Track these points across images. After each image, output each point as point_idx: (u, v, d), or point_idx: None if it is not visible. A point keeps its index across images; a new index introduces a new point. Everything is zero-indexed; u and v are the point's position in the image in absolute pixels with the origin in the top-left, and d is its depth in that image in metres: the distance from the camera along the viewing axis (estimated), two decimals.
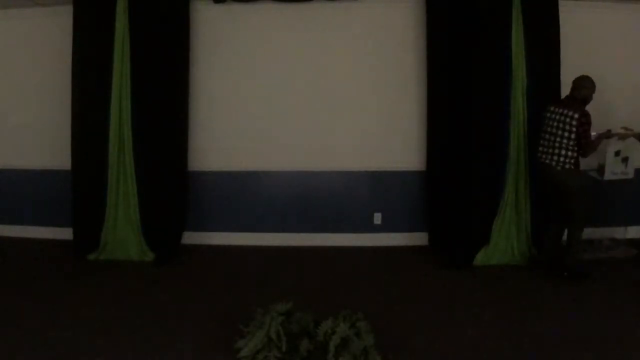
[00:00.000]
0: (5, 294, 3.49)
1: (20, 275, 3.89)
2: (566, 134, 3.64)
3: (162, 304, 3.36)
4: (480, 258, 4.14)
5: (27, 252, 4.49)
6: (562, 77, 4.13)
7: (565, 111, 3.67)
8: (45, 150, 4.72)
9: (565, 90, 4.18)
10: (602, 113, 4.56)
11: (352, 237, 4.63)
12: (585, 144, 3.62)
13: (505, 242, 4.16)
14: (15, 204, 4.83)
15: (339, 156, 4.58)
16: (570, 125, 3.61)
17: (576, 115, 3.59)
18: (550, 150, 3.75)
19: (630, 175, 4.04)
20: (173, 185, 4.37)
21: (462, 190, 4.13)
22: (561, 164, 3.69)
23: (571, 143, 3.64)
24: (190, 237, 4.63)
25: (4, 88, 4.77)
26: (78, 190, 4.29)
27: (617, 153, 3.96)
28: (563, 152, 3.67)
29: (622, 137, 3.90)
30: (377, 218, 4.65)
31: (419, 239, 4.58)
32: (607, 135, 3.86)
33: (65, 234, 4.51)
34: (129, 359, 2.65)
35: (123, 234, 4.30)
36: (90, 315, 3.15)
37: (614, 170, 3.97)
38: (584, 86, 3.68)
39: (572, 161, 3.68)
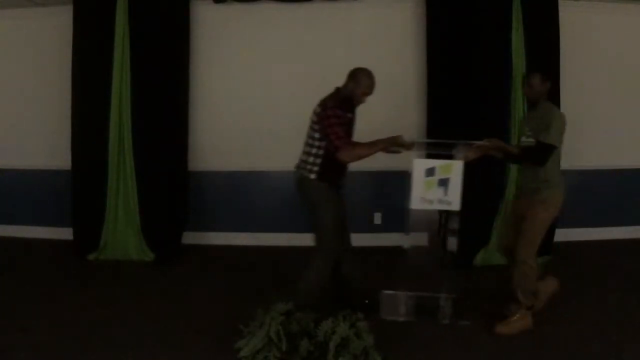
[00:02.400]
0: (4, 294, 3.48)
1: (20, 276, 3.88)
2: (310, 133, 2.97)
3: (162, 304, 3.35)
4: (480, 258, 4.14)
5: (27, 252, 4.49)
6: (562, 77, 4.14)
7: (316, 106, 2.98)
8: (45, 150, 4.73)
9: (564, 90, 4.19)
10: (604, 114, 4.58)
11: (352, 237, 4.61)
12: (331, 146, 2.83)
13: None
14: (15, 204, 4.84)
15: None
16: (313, 122, 2.93)
17: (319, 110, 2.89)
18: (300, 155, 3.05)
19: (454, 206, 2.92)
20: (173, 185, 4.37)
21: (461, 190, 4.12)
22: (301, 171, 2.98)
23: (316, 144, 2.91)
24: (190, 237, 4.63)
25: (4, 88, 4.77)
26: (78, 190, 4.30)
27: (429, 172, 2.91)
28: (304, 156, 2.99)
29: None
30: (377, 218, 4.65)
31: (418, 239, 4.57)
32: (395, 142, 2.94)
33: (65, 234, 4.51)
34: (129, 359, 2.65)
35: (123, 234, 4.30)
36: (90, 315, 3.14)
37: (425, 196, 2.91)
38: (352, 79, 2.96)
39: (316, 169, 2.90)
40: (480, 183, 4.03)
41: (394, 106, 4.55)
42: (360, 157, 2.90)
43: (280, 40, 4.52)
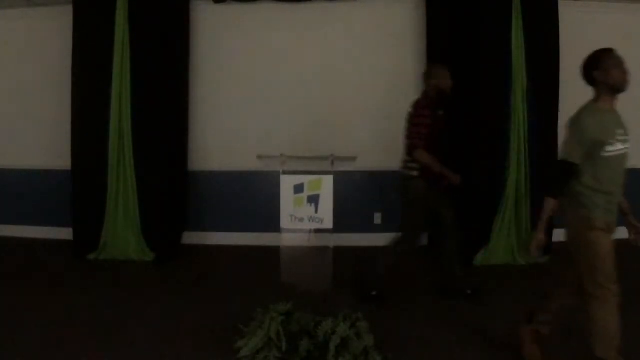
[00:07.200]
0: (5, 294, 3.49)
1: (20, 276, 3.88)
2: (407, 134, 3.20)
3: (162, 303, 3.35)
4: (480, 258, 4.14)
5: (27, 252, 4.49)
6: (561, 77, 4.14)
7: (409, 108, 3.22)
8: (45, 150, 4.73)
9: (564, 90, 4.19)
10: None
11: (352, 237, 4.62)
12: (411, 143, 3.09)
13: (505, 242, 4.16)
14: (15, 204, 4.84)
15: (339, 156, 4.58)
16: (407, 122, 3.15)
17: (410, 110, 3.17)
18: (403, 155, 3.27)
19: (326, 224, 2.84)
20: (173, 185, 4.37)
21: (462, 190, 4.13)
22: (404, 170, 3.21)
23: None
24: (190, 237, 4.63)
25: (4, 88, 4.77)
26: (78, 190, 4.30)
27: (298, 189, 2.83)
28: (406, 156, 3.22)
29: None
30: (377, 218, 4.65)
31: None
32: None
33: (65, 234, 4.51)
34: (129, 358, 2.65)
35: (123, 234, 4.30)
36: (90, 315, 3.15)
37: (295, 214, 2.82)
38: (431, 77, 3.19)
39: (417, 166, 3.14)
40: (480, 183, 4.05)
41: (394, 106, 4.54)
42: (424, 163, 3.09)
43: (280, 40, 4.52)
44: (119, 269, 4.11)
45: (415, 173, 3.14)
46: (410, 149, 3.11)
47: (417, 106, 3.17)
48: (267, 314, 2.62)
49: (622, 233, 4.89)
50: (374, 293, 3.29)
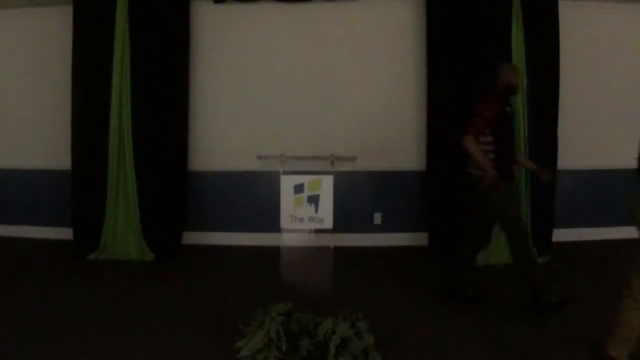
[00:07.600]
0: (5, 294, 3.49)
1: (20, 276, 3.88)
2: None
3: (162, 304, 3.35)
4: (480, 258, 4.14)
5: (27, 252, 4.49)
6: (561, 77, 4.14)
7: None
8: (45, 150, 4.73)
9: (564, 90, 4.20)
10: (601, 113, 4.58)
11: (352, 237, 4.63)
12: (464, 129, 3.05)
13: (505, 242, 4.15)
14: (16, 204, 4.84)
15: (339, 156, 4.59)
16: None
17: (475, 104, 3.14)
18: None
19: (326, 224, 2.85)
20: (173, 185, 4.37)
21: (462, 190, 4.13)
22: (473, 170, 3.18)
23: (483, 141, 3.11)
24: (190, 237, 4.63)
25: (4, 88, 4.77)
26: (78, 190, 4.30)
27: (298, 189, 2.80)
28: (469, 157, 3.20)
29: None
30: (377, 218, 4.65)
31: (419, 239, 4.58)
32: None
33: (65, 234, 4.51)
34: (129, 358, 2.65)
35: (123, 234, 4.30)
36: (90, 315, 3.15)
37: (295, 214, 2.79)
38: (500, 74, 3.20)
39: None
40: None
41: (394, 106, 4.55)
42: (469, 151, 3.06)
43: (280, 40, 4.52)
44: (119, 269, 4.11)
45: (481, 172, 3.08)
46: (461, 137, 3.05)
47: (484, 100, 3.12)
48: (267, 314, 2.62)
49: (623, 233, 4.87)
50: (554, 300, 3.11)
